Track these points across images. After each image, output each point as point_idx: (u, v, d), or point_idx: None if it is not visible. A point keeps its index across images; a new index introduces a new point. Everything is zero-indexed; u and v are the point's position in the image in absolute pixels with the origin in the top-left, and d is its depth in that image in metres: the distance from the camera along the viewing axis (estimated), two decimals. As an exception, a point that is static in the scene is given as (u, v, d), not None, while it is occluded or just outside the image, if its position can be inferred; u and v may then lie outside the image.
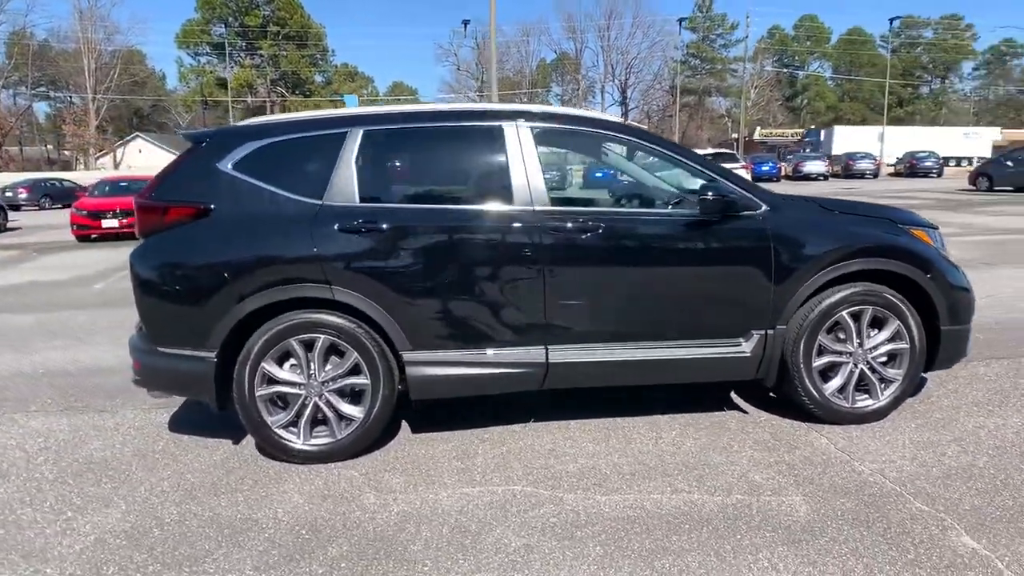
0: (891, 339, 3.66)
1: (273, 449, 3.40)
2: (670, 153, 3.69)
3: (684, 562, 2.50)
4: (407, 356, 3.39)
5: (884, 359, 3.71)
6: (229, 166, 3.43)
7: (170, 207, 3.40)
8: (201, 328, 3.31)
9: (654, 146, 3.71)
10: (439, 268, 3.39)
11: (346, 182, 3.41)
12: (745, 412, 3.92)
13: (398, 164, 3.77)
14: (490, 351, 3.45)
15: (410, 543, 2.67)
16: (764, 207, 3.56)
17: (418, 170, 3.85)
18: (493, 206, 3.48)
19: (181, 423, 3.96)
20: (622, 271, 3.50)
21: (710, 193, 3.44)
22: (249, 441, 3.58)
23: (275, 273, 3.31)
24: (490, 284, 3.43)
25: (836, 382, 3.67)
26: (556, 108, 3.96)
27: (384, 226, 3.36)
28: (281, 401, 3.41)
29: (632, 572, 2.46)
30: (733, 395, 4.17)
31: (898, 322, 3.63)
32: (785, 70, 75.40)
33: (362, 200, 3.42)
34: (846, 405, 3.68)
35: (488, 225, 3.44)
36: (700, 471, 3.20)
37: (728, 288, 3.57)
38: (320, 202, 3.38)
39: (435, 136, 3.64)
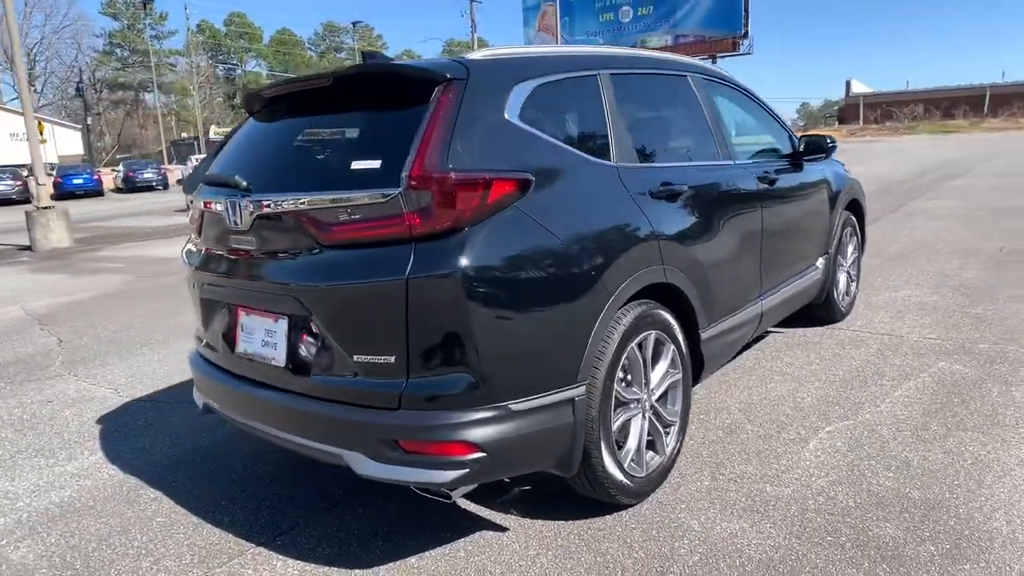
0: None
1: (613, 497, 2.48)
2: (759, 103, 4.02)
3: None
4: (703, 335, 2.92)
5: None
6: (516, 117, 2.25)
7: (494, 181, 2.05)
8: (576, 352, 2.19)
9: (748, 96, 3.96)
10: (723, 231, 3.01)
11: (623, 137, 2.66)
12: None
13: (640, 115, 3.02)
14: (740, 313, 3.25)
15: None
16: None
17: (650, 121, 3.16)
18: (726, 161, 3.25)
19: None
20: (788, 218, 3.74)
21: (803, 142, 4.00)
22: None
23: (630, 261, 2.41)
24: (748, 243, 3.25)
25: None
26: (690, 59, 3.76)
27: (683, 189, 2.78)
28: (620, 434, 2.51)
29: None
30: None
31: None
32: (221, 67, 74.29)
33: (639, 159, 2.74)
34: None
35: (738, 183, 3.26)
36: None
37: (817, 220, 4.18)
38: (614, 164, 2.57)
39: (656, 84, 3.13)
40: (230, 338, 2.51)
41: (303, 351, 2.23)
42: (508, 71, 2.35)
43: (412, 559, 2.32)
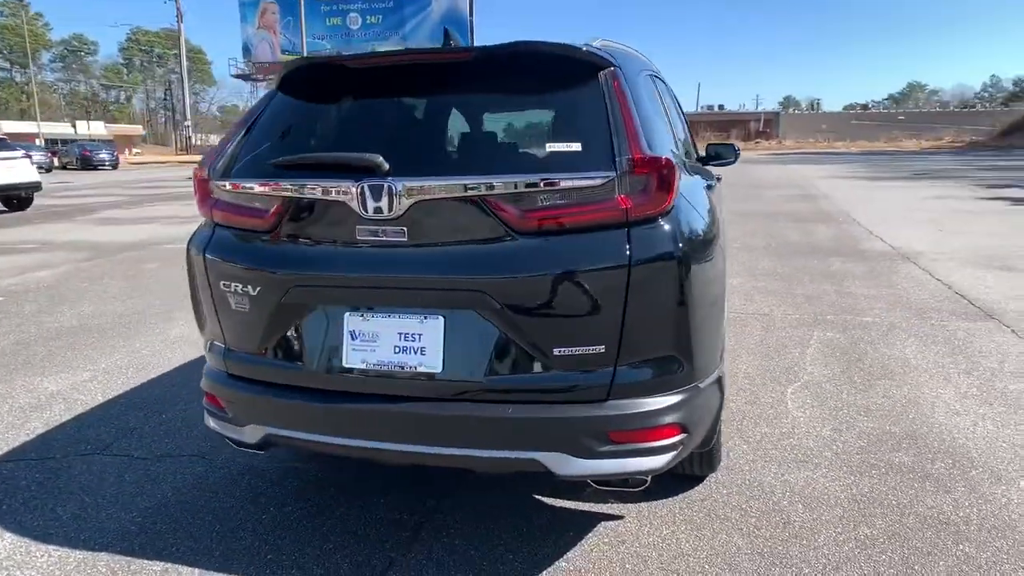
0: None
1: (708, 470, 2.72)
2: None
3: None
4: None
5: None
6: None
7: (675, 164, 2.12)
8: (722, 327, 2.49)
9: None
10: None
11: (670, 130, 2.83)
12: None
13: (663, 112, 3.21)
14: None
15: None
16: None
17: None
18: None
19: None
20: None
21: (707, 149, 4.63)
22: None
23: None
24: None
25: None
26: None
27: (715, 182, 3.19)
28: None
29: None
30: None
31: None
32: None
33: (686, 154, 3.12)
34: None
35: None
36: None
37: None
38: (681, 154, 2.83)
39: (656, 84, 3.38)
40: (333, 348, 2.16)
41: (470, 352, 2.05)
42: (635, 62, 2.44)
43: (562, 563, 2.28)
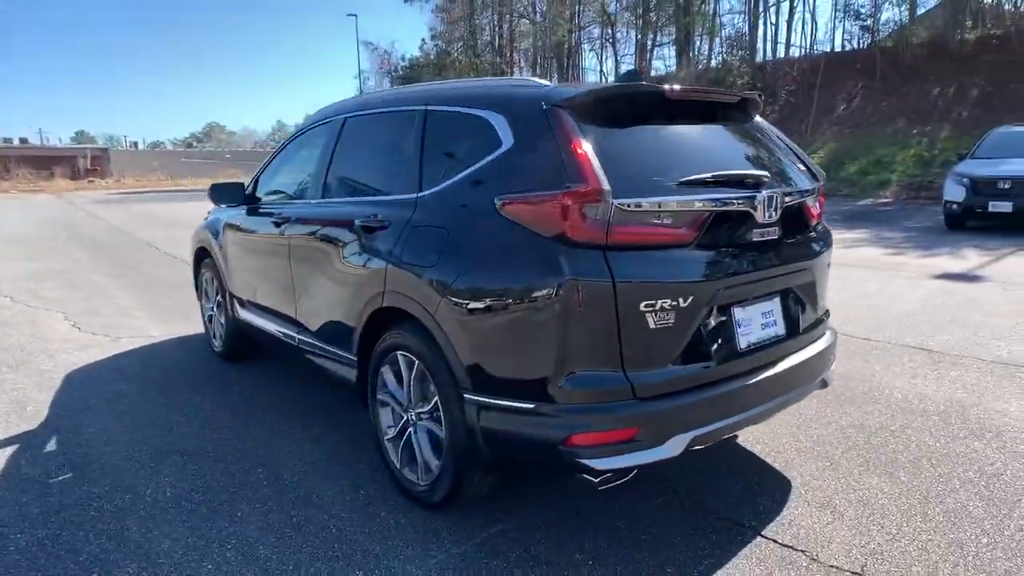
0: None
1: None
2: None
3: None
4: None
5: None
6: None
7: None
8: None
9: None
10: None
11: None
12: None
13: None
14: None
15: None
16: None
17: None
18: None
19: None
20: None
21: None
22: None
23: None
24: None
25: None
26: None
27: None
28: None
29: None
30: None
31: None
32: None
33: None
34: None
35: None
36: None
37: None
38: None
39: None
40: (728, 338, 2.51)
41: (791, 316, 2.78)
42: None
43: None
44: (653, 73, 36.09)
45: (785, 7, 29.43)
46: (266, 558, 2.57)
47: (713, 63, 32.34)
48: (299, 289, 3.72)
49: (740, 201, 2.49)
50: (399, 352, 2.89)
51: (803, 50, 29.34)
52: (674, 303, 2.30)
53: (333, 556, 2.59)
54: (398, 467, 3.01)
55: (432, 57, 45.36)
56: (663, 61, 43.48)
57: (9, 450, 3.54)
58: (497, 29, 44.99)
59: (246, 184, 4.53)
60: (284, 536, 2.72)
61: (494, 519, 2.82)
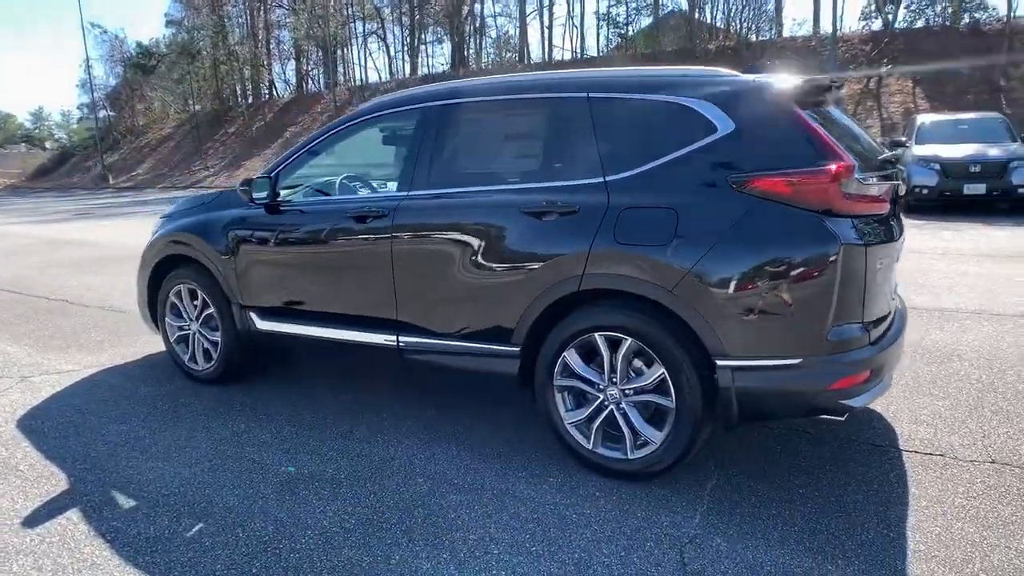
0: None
1: None
2: None
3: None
4: None
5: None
6: None
7: None
8: None
9: None
10: None
11: None
12: None
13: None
14: None
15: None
16: None
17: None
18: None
19: None
20: None
21: None
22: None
23: None
24: None
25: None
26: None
27: None
28: None
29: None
30: None
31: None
32: None
33: None
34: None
35: None
36: None
37: None
38: None
39: None
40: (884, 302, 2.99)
41: None
42: None
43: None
44: (425, 71, 36.70)
45: (547, 14, 31.80)
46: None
47: (484, 64, 33.82)
48: (404, 289, 3.45)
49: (893, 179, 3.07)
50: (597, 333, 2.96)
51: (573, 53, 32.00)
52: (884, 260, 2.83)
53: (632, 535, 2.65)
54: (589, 447, 3.05)
55: (176, 45, 40.98)
56: (434, 59, 44.11)
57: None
58: (249, 19, 42.00)
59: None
60: (552, 540, 2.67)
61: (707, 474, 3.07)
